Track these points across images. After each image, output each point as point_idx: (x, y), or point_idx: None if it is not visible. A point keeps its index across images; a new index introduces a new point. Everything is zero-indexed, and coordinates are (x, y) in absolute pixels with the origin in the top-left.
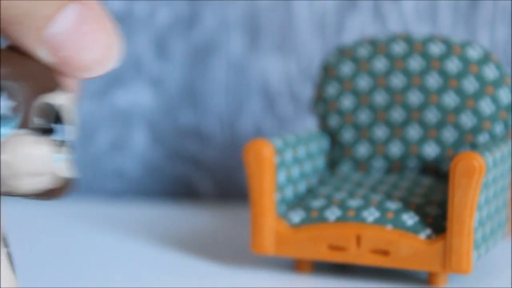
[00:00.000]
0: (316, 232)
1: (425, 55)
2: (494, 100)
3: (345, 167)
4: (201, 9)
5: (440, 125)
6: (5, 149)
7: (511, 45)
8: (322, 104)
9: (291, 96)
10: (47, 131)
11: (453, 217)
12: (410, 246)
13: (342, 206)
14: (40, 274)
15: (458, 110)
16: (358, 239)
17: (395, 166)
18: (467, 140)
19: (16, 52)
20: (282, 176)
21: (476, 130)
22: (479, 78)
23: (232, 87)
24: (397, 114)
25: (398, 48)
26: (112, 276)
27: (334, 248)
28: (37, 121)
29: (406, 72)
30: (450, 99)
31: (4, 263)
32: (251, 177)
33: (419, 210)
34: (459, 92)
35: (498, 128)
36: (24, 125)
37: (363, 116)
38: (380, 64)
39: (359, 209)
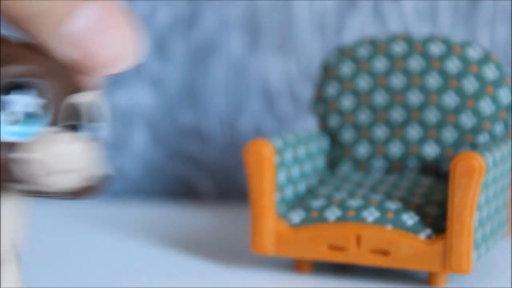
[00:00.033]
0: (316, 232)
1: (425, 55)
2: (494, 100)
3: (345, 167)
4: (201, 9)
5: (440, 125)
6: (36, 147)
7: (511, 45)
8: (322, 104)
9: (291, 96)
10: (77, 129)
11: (453, 217)
12: (410, 246)
13: (342, 206)
14: (40, 274)
15: (458, 110)
16: (358, 239)
17: (395, 166)
18: (467, 140)
19: (39, 50)
20: (282, 176)
21: (476, 130)
22: (479, 78)
23: (232, 87)
24: (397, 114)
25: (398, 48)
26: (112, 276)
27: (334, 248)
28: (67, 118)
29: (406, 72)
30: (450, 99)
31: (15, 275)
32: (251, 177)
33: (419, 210)
34: (459, 92)
35: (498, 128)
36: (55, 123)
37: (363, 116)
38: (380, 64)
39: (359, 209)
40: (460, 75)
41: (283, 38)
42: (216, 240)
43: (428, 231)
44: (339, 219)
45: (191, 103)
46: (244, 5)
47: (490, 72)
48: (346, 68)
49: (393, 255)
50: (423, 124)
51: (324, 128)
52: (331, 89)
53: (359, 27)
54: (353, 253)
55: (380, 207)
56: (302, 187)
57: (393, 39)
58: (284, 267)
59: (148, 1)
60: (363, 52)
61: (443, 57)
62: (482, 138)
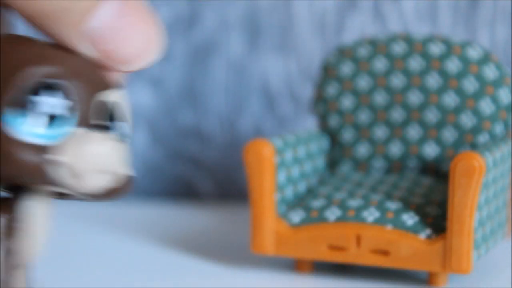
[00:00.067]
0: (316, 232)
1: (425, 55)
2: (494, 100)
3: (345, 167)
4: (201, 9)
5: (440, 125)
6: (65, 150)
7: (511, 45)
8: (322, 104)
9: (291, 96)
10: (105, 129)
11: (453, 217)
12: (410, 246)
13: (342, 206)
14: (40, 274)
15: (458, 110)
16: (358, 239)
17: (395, 166)
18: (467, 140)
19: (62, 49)
20: (282, 176)
21: (476, 130)
22: (479, 78)
23: (232, 87)
24: (397, 114)
25: (398, 48)
26: (112, 276)
27: (334, 248)
28: (95, 118)
29: (406, 72)
30: (450, 99)
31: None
32: (251, 177)
33: (419, 210)
34: (459, 92)
35: (498, 128)
36: (82, 124)
37: (363, 116)
38: (380, 64)
39: (359, 209)
40: (460, 75)
41: (283, 38)
42: (216, 240)
43: (428, 231)
44: (339, 219)
45: (191, 103)
46: (244, 5)
47: (490, 72)
48: (346, 68)
49: (393, 255)
50: (423, 124)
51: (324, 128)
52: (331, 89)
53: (359, 27)
54: (353, 253)
55: (380, 207)
56: (302, 187)
57: (393, 39)
58: (284, 267)
59: (148, 1)
60: (363, 52)
61: (443, 57)
62: (482, 138)
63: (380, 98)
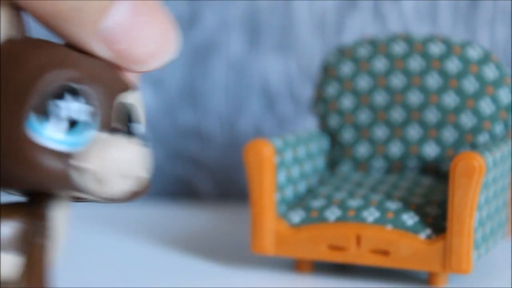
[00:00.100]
0: (316, 232)
1: (425, 55)
2: (494, 100)
3: (345, 167)
4: (201, 9)
5: (440, 125)
6: (88, 156)
7: (511, 45)
8: (322, 104)
9: (291, 96)
10: (126, 133)
11: (453, 217)
12: (410, 246)
13: (342, 206)
14: None
15: (458, 110)
16: (358, 239)
17: (395, 166)
18: (467, 140)
19: (81, 52)
20: (282, 176)
21: (476, 130)
22: (479, 78)
23: (232, 87)
24: (397, 114)
25: (398, 48)
26: (112, 276)
27: (334, 248)
28: (116, 123)
29: (406, 72)
30: (450, 99)
31: None
32: (251, 177)
33: (419, 210)
34: (459, 92)
35: (498, 128)
36: (104, 128)
37: (363, 116)
38: (380, 64)
39: (359, 209)
40: (460, 75)
41: (283, 38)
42: (216, 240)
43: (428, 231)
44: (339, 219)
45: (191, 103)
46: (244, 5)
47: (490, 72)
48: (346, 68)
49: (393, 255)
50: (423, 124)
51: (324, 128)
52: (331, 89)
53: (359, 27)
54: (353, 253)
55: (380, 207)
56: (302, 187)
57: (393, 39)
58: (284, 267)
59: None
60: (363, 52)
61: (443, 57)
62: (482, 138)
63: (380, 98)
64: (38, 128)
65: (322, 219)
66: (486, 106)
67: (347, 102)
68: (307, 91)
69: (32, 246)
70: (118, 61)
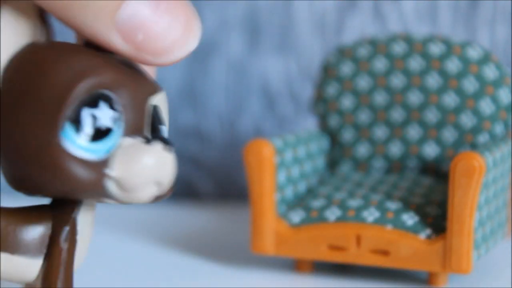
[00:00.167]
0: (316, 232)
1: (425, 55)
2: (494, 100)
3: (345, 167)
4: (201, 9)
5: (440, 125)
6: (117, 164)
7: (511, 45)
8: (322, 104)
9: (291, 96)
10: (154, 137)
11: (453, 217)
12: (410, 246)
13: (342, 206)
14: None
15: (458, 110)
16: (358, 239)
17: (395, 166)
18: (467, 140)
19: (108, 57)
20: (282, 176)
21: (476, 130)
22: (479, 78)
23: (232, 87)
24: (397, 114)
25: (398, 48)
26: (112, 276)
27: (334, 248)
28: (143, 129)
29: (406, 72)
30: (450, 99)
31: None
32: (251, 177)
33: (419, 210)
34: (459, 92)
35: (498, 128)
36: (134, 134)
37: (363, 116)
38: (380, 64)
39: (359, 209)
40: (460, 75)
41: (283, 38)
42: (216, 240)
43: (428, 231)
44: (339, 219)
45: (191, 103)
46: (244, 5)
47: (490, 72)
48: (346, 68)
49: (393, 255)
50: (423, 124)
51: (324, 128)
52: (331, 89)
53: (359, 27)
54: (353, 253)
55: (380, 207)
56: (302, 187)
57: (393, 39)
58: (284, 267)
59: None
60: (363, 52)
61: (443, 57)
62: (482, 138)
63: (380, 98)
64: (71, 137)
65: (322, 219)
66: (486, 106)
67: (347, 102)
68: (307, 91)
69: (57, 250)
70: (136, 54)
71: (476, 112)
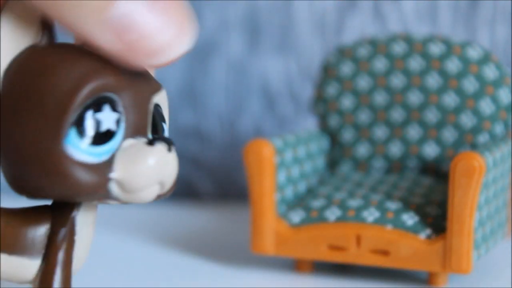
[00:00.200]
0: (316, 232)
1: (425, 55)
2: (494, 100)
3: (345, 167)
4: (201, 9)
5: (440, 125)
6: (119, 166)
7: (511, 45)
8: (322, 104)
9: (291, 96)
10: (157, 138)
11: (453, 217)
12: (410, 246)
13: (342, 206)
14: None
15: (458, 110)
16: (358, 239)
17: (395, 166)
18: (467, 140)
19: (104, 58)
20: (282, 176)
21: (476, 130)
22: (479, 78)
23: (232, 87)
24: (397, 114)
25: (398, 48)
26: (112, 276)
27: (334, 248)
28: (149, 128)
29: (406, 72)
30: (450, 99)
31: None
32: (251, 177)
33: (419, 210)
34: (459, 92)
35: (498, 128)
36: (137, 135)
37: (363, 116)
38: (380, 64)
39: (359, 209)
40: (460, 75)
41: (283, 38)
42: (216, 240)
43: (428, 231)
44: (339, 219)
45: (191, 103)
46: (244, 5)
47: (490, 72)
48: (346, 68)
49: (393, 255)
50: (423, 124)
51: (324, 128)
52: (331, 89)
53: (359, 27)
54: (353, 253)
55: (380, 207)
56: (302, 187)
57: (393, 39)
58: (284, 267)
59: None
60: (363, 52)
61: (443, 57)
62: (482, 138)
63: (380, 98)
64: (74, 142)
65: (322, 219)
66: (486, 106)
67: (347, 102)
68: (307, 91)
69: (54, 250)
70: (128, 54)
71: (476, 112)
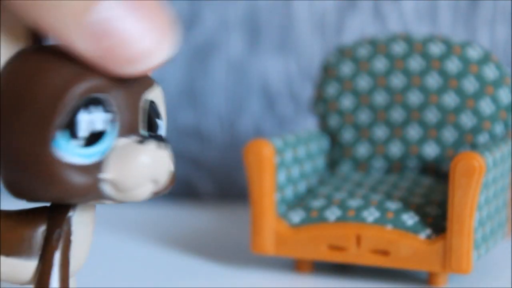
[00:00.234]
0: (316, 232)
1: (425, 55)
2: (494, 100)
3: (345, 167)
4: (201, 9)
5: (440, 125)
6: (111, 166)
7: (511, 45)
8: (322, 104)
9: (291, 96)
10: (150, 135)
11: (453, 217)
12: (410, 246)
13: (342, 206)
14: None
15: (458, 110)
16: (358, 239)
17: (395, 166)
18: (467, 140)
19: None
20: (282, 176)
21: (476, 130)
22: (479, 78)
23: (232, 87)
24: (397, 114)
25: (398, 48)
26: (112, 276)
27: (334, 248)
28: (140, 126)
29: (406, 72)
30: (450, 99)
31: None
32: (251, 177)
33: (419, 210)
34: (459, 92)
35: (498, 128)
36: (128, 134)
37: (363, 116)
38: (380, 64)
39: (359, 209)
40: (460, 75)
41: (283, 38)
42: (216, 240)
43: (428, 231)
44: (339, 219)
45: (191, 103)
46: (244, 5)
47: (490, 72)
48: (346, 68)
49: (393, 255)
50: (423, 124)
51: (324, 128)
52: (331, 89)
53: (359, 27)
54: (353, 253)
55: (380, 207)
56: (302, 187)
57: (393, 39)
58: (284, 267)
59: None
60: (363, 52)
61: (443, 57)
62: (482, 138)
63: (380, 98)
64: (65, 145)
65: (322, 219)
66: (486, 106)
67: (347, 102)
68: (307, 91)
69: (50, 251)
70: (106, 61)
71: (476, 112)
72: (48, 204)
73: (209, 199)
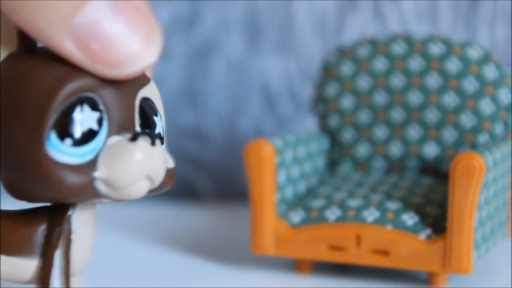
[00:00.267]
0: (316, 232)
1: (425, 55)
2: (494, 100)
3: (345, 167)
4: (201, 9)
5: (440, 125)
6: (105, 164)
7: (511, 45)
8: (322, 104)
9: (291, 96)
10: (144, 133)
11: (453, 217)
12: (410, 246)
13: (342, 206)
14: None
15: (458, 110)
16: (358, 239)
17: (395, 166)
18: (467, 140)
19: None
20: (282, 176)
21: (476, 130)
22: (479, 78)
23: (232, 87)
24: (397, 114)
25: (398, 48)
26: (112, 276)
27: (334, 248)
28: (134, 124)
29: (406, 72)
30: (450, 99)
31: None
32: (251, 177)
33: (419, 210)
34: (459, 92)
35: (498, 128)
36: (122, 132)
37: (363, 116)
38: (380, 64)
39: (359, 209)
40: (460, 75)
41: (283, 38)
42: (216, 240)
43: (428, 231)
44: (339, 219)
45: (191, 103)
46: (244, 5)
47: (490, 72)
48: (346, 68)
49: (393, 255)
50: (423, 124)
51: (324, 128)
52: (331, 89)
53: (359, 27)
54: (353, 253)
55: (380, 207)
56: (302, 187)
57: (393, 39)
58: (284, 267)
59: (148, 1)
60: (363, 52)
61: (443, 57)
62: (482, 138)
63: (380, 98)
64: (57, 145)
65: (322, 219)
66: (486, 106)
67: (347, 102)
68: (307, 91)
69: (50, 250)
70: (90, 64)
71: (476, 112)
72: (48, 204)
73: (209, 199)
